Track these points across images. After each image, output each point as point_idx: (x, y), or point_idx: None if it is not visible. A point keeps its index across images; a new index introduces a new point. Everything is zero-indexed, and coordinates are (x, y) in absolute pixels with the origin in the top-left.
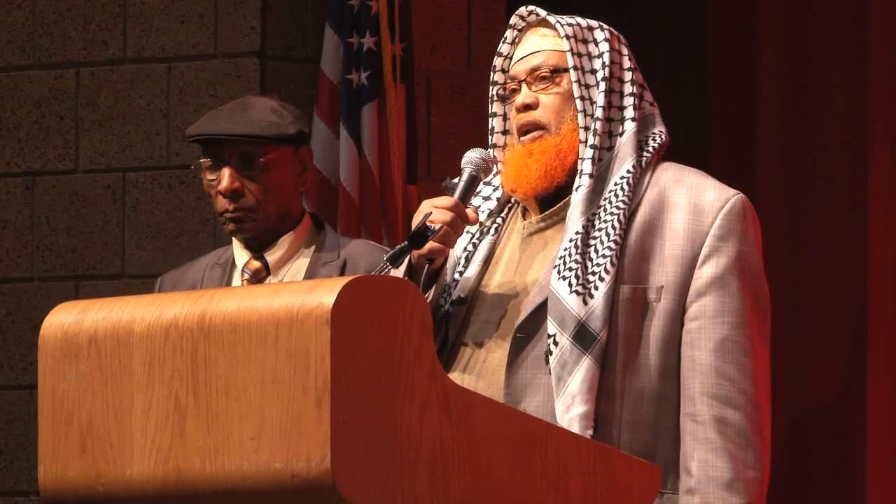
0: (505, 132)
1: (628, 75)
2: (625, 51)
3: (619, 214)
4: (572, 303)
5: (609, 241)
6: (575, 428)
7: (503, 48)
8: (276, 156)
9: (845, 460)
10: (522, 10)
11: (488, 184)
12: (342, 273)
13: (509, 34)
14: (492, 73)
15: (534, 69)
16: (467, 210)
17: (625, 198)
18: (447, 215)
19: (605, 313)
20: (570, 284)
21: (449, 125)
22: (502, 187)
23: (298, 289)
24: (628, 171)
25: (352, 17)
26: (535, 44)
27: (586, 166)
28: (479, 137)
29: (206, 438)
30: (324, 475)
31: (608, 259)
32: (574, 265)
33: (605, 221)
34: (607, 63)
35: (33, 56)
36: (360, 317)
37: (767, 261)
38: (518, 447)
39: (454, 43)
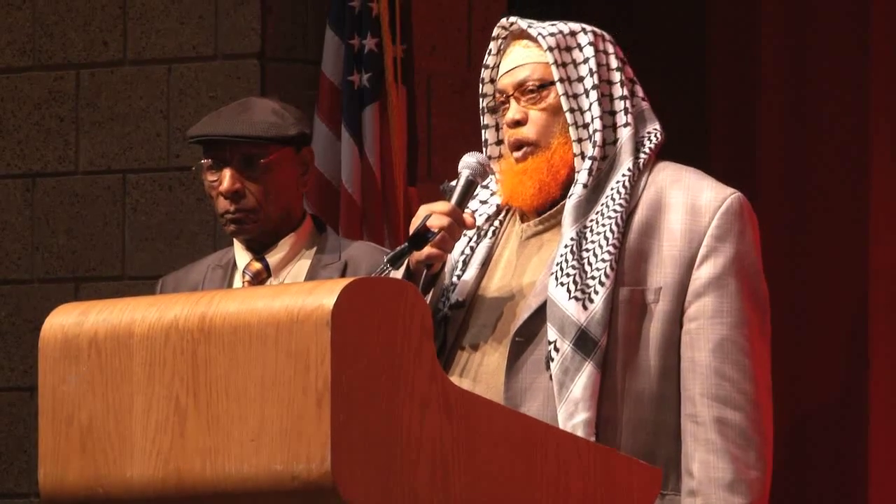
0: (499, 142)
1: (617, 75)
2: (610, 49)
3: (616, 217)
4: (571, 309)
5: (608, 245)
6: (578, 434)
7: (489, 60)
8: (277, 157)
9: (847, 461)
10: (504, 20)
11: (486, 187)
12: (343, 275)
13: (493, 45)
14: (480, 86)
15: (520, 83)
16: (464, 215)
17: (622, 200)
18: (444, 220)
19: (605, 318)
20: (568, 290)
21: (449, 126)
22: (500, 201)
23: (298, 290)
24: (624, 175)
25: (353, 19)
26: (520, 56)
27: (582, 176)
28: (480, 138)
29: (206, 440)
30: (324, 477)
31: (608, 263)
32: (571, 271)
33: (603, 225)
34: (594, 69)
35: (33, 57)
36: (361, 318)
37: (768, 261)
38: (518, 448)
39: (454, 43)
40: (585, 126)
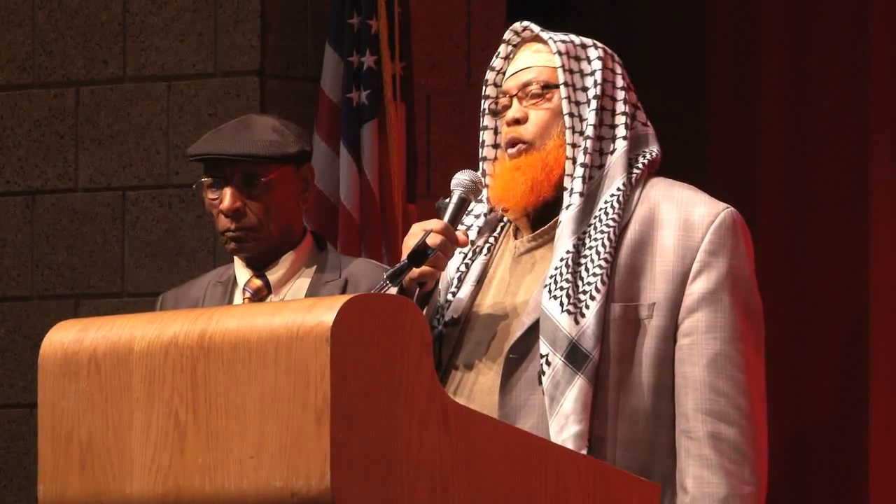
0: (496, 145)
1: (621, 94)
2: (619, 70)
3: (608, 232)
4: (564, 322)
5: (599, 259)
6: (569, 447)
7: (496, 63)
8: (277, 175)
9: (847, 474)
10: (517, 25)
11: (479, 201)
12: (343, 292)
13: (503, 49)
14: (484, 87)
15: (525, 84)
16: (457, 232)
17: (615, 215)
18: (437, 238)
19: (597, 332)
20: (561, 304)
21: (448, 143)
22: (490, 202)
23: (298, 307)
24: (618, 189)
25: (352, 36)
26: (528, 59)
27: (576, 184)
28: (478, 155)
29: (205, 456)
30: (323, 493)
31: (598, 277)
32: (565, 284)
33: (595, 240)
34: (599, 81)
35: (33, 74)
36: (360, 335)
37: (770, 275)
38: (518, 465)
39: (454, 61)
40: (582, 133)
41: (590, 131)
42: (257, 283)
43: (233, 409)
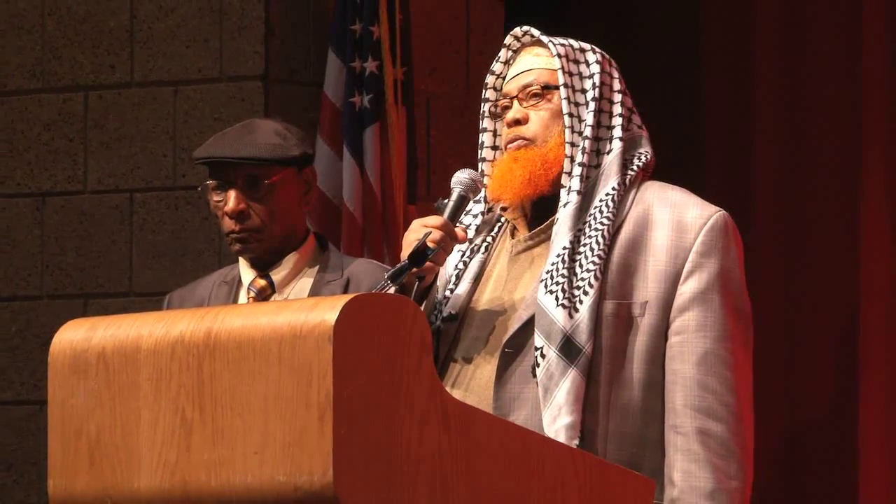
0: (495, 147)
1: (618, 97)
2: (615, 74)
3: (603, 230)
4: (559, 316)
5: (593, 255)
6: (561, 438)
7: (496, 67)
8: (280, 177)
9: (838, 473)
10: (517, 30)
11: (478, 201)
12: (345, 291)
13: (503, 53)
14: (484, 90)
15: (525, 86)
16: (456, 229)
17: (609, 214)
18: (437, 235)
19: (591, 326)
20: (556, 298)
21: (448, 146)
22: (488, 197)
23: (301, 306)
24: (613, 189)
25: (354, 42)
26: (528, 62)
27: (574, 183)
28: (477, 157)
29: (211, 452)
30: (326, 488)
31: (592, 273)
32: (561, 279)
33: (590, 237)
34: (597, 84)
35: (43, 79)
36: (362, 334)
37: (762, 276)
38: (515, 461)
39: (453, 66)
40: (581, 133)
41: (588, 132)
42: (261, 282)
43: (238, 406)
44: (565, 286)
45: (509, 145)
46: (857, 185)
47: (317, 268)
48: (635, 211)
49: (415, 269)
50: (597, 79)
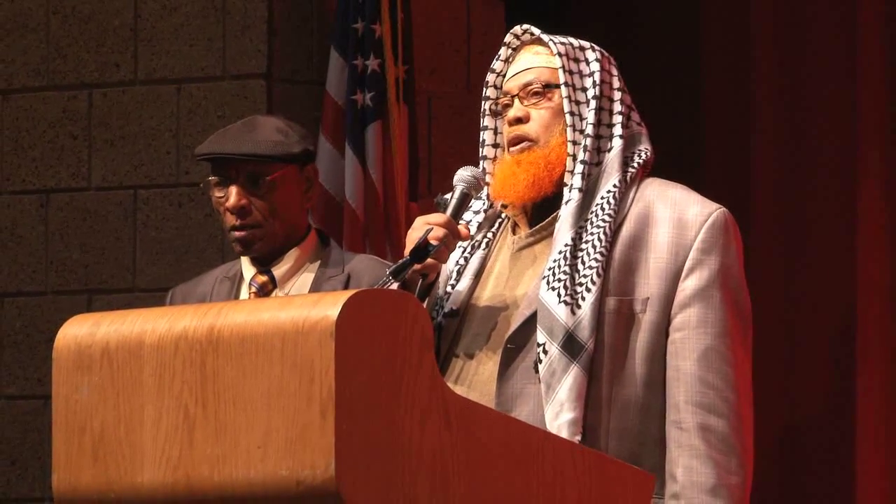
0: (496, 145)
1: (617, 95)
2: (615, 72)
3: (604, 227)
4: (561, 313)
5: (595, 252)
6: (563, 434)
7: (497, 65)
8: (281, 174)
9: (835, 469)
10: (517, 28)
11: (479, 198)
12: (346, 287)
13: (503, 52)
14: (484, 89)
15: (526, 84)
16: (459, 226)
17: (610, 211)
18: (440, 232)
19: (593, 323)
20: (558, 295)
21: (449, 144)
22: (490, 197)
23: (303, 302)
24: (614, 186)
25: (356, 41)
26: (529, 61)
27: (576, 180)
28: (478, 156)
29: (214, 447)
30: (328, 483)
31: (594, 270)
32: (563, 276)
33: (592, 234)
34: (598, 82)
35: (47, 78)
36: (363, 329)
37: (760, 274)
38: (516, 456)
39: (454, 66)
40: (582, 132)
41: (590, 130)
42: (263, 278)
43: (241, 401)
44: (567, 283)
45: (511, 148)
46: (855, 184)
47: (318, 263)
48: (636, 208)
49: (417, 266)
50: (597, 77)
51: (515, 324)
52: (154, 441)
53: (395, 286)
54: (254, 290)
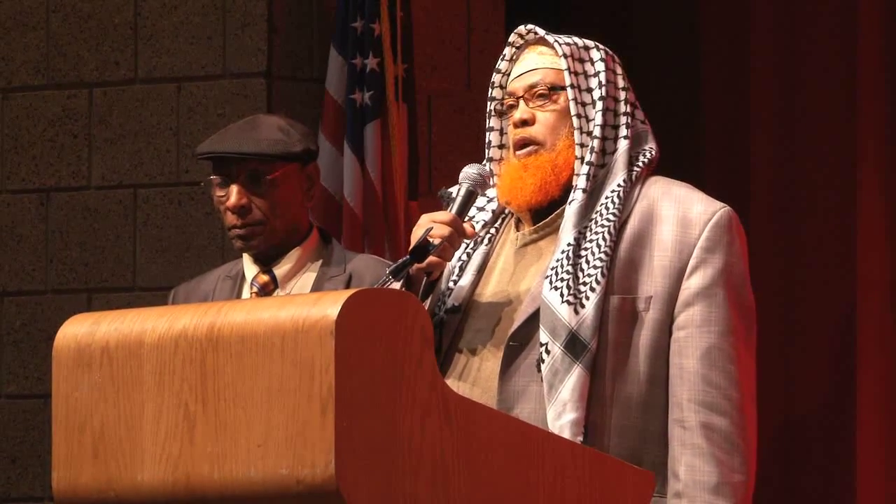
0: (501, 146)
1: (622, 94)
2: (619, 70)
3: (609, 227)
4: (564, 312)
5: (600, 252)
6: (566, 434)
7: (501, 65)
8: (282, 173)
9: (835, 464)
10: (521, 28)
11: (483, 195)
12: (348, 287)
13: (508, 51)
14: (490, 89)
15: (531, 86)
16: (465, 225)
17: (615, 210)
18: (445, 230)
19: (596, 323)
20: (561, 294)
21: (449, 143)
22: (497, 199)
23: (304, 301)
24: (619, 185)
25: (356, 39)
26: (533, 61)
27: (581, 182)
28: (478, 155)
29: (214, 445)
30: (328, 481)
31: (599, 270)
32: (566, 276)
33: (596, 233)
34: (604, 83)
35: (47, 76)
36: (364, 328)
37: (760, 271)
38: (516, 454)
39: (454, 64)
40: (589, 133)
41: (597, 131)
42: (264, 277)
43: (241, 399)
44: (570, 282)
45: (518, 151)
46: (855, 183)
47: (320, 262)
48: (640, 206)
49: (420, 265)
50: (602, 77)
51: (518, 321)
52: (154, 439)
53: (396, 285)
54: (255, 289)
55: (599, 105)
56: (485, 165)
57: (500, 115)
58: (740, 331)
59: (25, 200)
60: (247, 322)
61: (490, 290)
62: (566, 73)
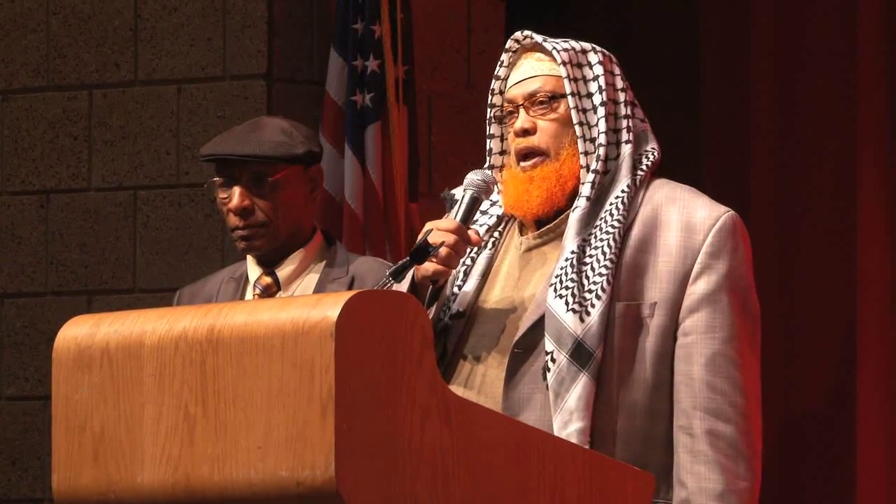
0: (502, 152)
1: (622, 95)
2: (617, 70)
3: (614, 233)
4: (569, 321)
5: (605, 259)
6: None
7: (500, 71)
8: (285, 175)
9: (835, 465)
10: (518, 34)
11: (492, 202)
12: (350, 289)
13: (505, 57)
14: (490, 96)
15: (531, 94)
16: (469, 232)
17: (620, 217)
18: (450, 238)
19: (601, 330)
20: (566, 303)
21: (449, 144)
22: (504, 210)
23: (304, 303)
24: (623, 191)
25: (356, 41)
26: (532, 68)
27: (585, 189)
28: (479, 156)
29: (214, 447)
30: (328, 483)
31: (604, 278)
32: (570, 283)
33: (601, 240)
34: (603, 87)
35: (48, 78)
36: (363, 329)
37: (760, 271)
38: (516, 456)
39: (454, 65)
40: (592, 140)
41: (601, 138)
42: (267, 279)
43: (240, 401)
44: (575, 290)
45: (523, 163)
46: (855, 184)
47: (323, 264)
48: (644, 210)
49: (431, 271)
50: (602, 81)
51: (523, 328)
52: (154, 441)
53: (396, 287)
54: (258, 291)
55: (601, 111)
56: (488, 171)
57: (501, 121)
58: (745, 336)
59: (25, 202)
60: (247, 324)
61: (494, 296)
62: (566, 81)
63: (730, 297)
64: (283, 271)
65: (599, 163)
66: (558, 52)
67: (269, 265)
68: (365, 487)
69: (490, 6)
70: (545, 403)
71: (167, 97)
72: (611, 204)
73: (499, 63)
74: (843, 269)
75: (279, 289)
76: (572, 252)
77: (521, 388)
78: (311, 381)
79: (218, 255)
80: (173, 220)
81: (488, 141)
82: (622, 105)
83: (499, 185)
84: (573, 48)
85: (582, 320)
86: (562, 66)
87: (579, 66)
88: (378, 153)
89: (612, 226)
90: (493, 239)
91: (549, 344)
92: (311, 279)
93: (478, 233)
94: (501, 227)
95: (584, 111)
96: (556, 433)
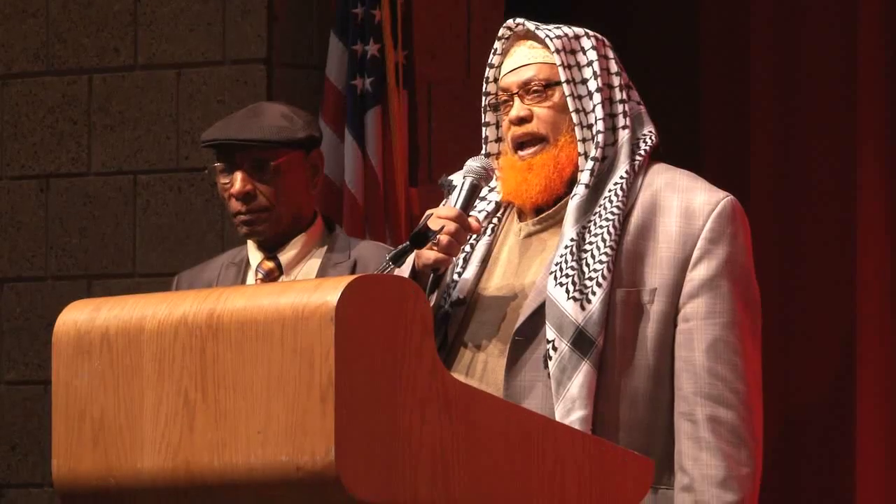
0: (498, 140)
1: (616, 80)
2: (610, 54)
3: (613, 220)
4: (570, 309)
5: (605, 246)
6: None
7: (494, 59)
8: (286, 160)
9: (835, 461)
10: (510, 21)
11: (492, 189)
12: (352, 273)
13: (498, 45)
14: (484, 84)
15: (525, 83)
16: (469, 219)
17: (619, 203)
18: (451, 226)
19: (602, 318)
20: (567, 291)
21: (449, 130)
22: (502, 198)
23: (304, 287)
24: (622, 177)
25: (356, 26)
26: (525, 56)
27: (584, 176)
28: (478, 142)
29: (214, 433)
30: (328, 468)
31: (605, 265)
32: (570, 271)
33: (601, 227)
34: (598, 72)
35: (47, 63)
36: (364, 315)
37: (760, 271)
38: (516, 441)
39: (454, 51)
40: (589, 127)
41: (599, 125)
42: (269, 264)
43: (240, 387)
44: (575, 278)
45: (521, 152)
46: (855, 182)
47: (324, 249)
48: (644, 196)
49: (432, 260)
50: (596, 66)
51: (523, 315)
52: (154, 427)
53: (397, 272)
54: (260, 276)
55: (597, 97)
56: (487, 158)
57: (496, 109)
58: (745, 322)
59: (25, 187)
60: (247, 309)
61: (494, 283)
62: (560, 69)
63: (730, 282)
64: (284, 256)
65: (598, 149)
66: (551, 39)
67: (270, 250)
68: (365, 473)
69: None
70: (546, 391)
71: (167, 82)
72: (609, 190)
73: (492, 51)
74: (844, 269)
75: (281, 273)
76: (572, 239)
77: (523, 376)
78: (310, 367)
79: (218, 239)
80: (173, 205)
81: (483, 129)
82: (617, 89)
83: (497, 172)
84: (566, 34)
85: (583, 308)
86: (555, 53)
87: (573, 52)
88: (378, 138)
89: (612, 212)
90: (491, 225)
91: (550, 332)
92: (313, 264)
93: (478, 220)
94: (500, 213)
95: (580, 98)
96: (557, 421)
